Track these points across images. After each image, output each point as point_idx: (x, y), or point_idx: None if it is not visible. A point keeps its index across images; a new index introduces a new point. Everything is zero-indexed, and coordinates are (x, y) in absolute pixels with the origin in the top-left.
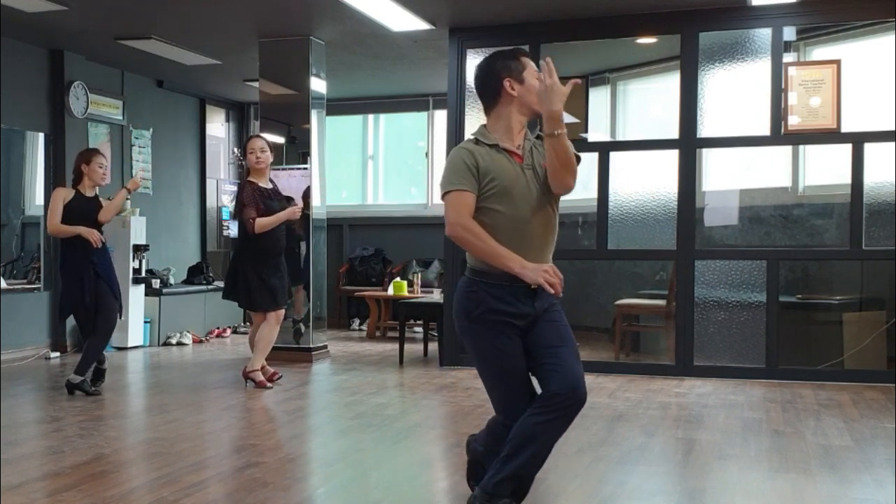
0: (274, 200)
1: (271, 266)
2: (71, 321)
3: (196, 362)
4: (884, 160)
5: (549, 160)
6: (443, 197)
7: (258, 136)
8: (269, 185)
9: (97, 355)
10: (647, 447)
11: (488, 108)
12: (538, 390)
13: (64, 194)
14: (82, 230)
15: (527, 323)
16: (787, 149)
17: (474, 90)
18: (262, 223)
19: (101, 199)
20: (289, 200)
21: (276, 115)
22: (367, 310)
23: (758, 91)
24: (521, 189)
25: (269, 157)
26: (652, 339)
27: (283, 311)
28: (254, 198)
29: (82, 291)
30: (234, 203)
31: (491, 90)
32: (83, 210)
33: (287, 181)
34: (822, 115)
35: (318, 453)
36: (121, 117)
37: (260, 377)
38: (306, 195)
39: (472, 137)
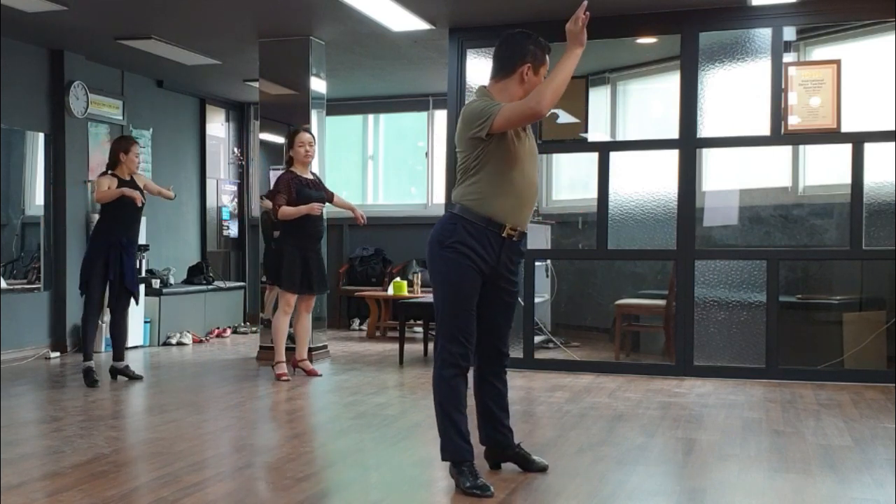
0: (312, 189)
1: (315, 251)
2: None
3: (196, 362)
4: (884, 160)
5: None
6: (494, 125)
7: (306, 129)
8: (310, 177)
9: (125, 332)
10: (647, 447)
11: (498, 77)
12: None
13: (109, 182)
14: (125, 190)
15: (487, 272)
16: (787, 149)
17: (495, 54)
18: (285, 212)
19: (134, 177)
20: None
21: (276, 115)
22: (367, 310)
23: (758, 91)
24: (524, 154)
25: (314, 149)
26: (652, 339)
27: (292, 298)
28: (288, 186)
29: (107, 267)
30: (272, 187)
31: (509, 64)
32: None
33: None
34: (822, 115)
35: (318, 453)
36: (121, 117)
37: (309, 366)
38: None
39: (483, 98)
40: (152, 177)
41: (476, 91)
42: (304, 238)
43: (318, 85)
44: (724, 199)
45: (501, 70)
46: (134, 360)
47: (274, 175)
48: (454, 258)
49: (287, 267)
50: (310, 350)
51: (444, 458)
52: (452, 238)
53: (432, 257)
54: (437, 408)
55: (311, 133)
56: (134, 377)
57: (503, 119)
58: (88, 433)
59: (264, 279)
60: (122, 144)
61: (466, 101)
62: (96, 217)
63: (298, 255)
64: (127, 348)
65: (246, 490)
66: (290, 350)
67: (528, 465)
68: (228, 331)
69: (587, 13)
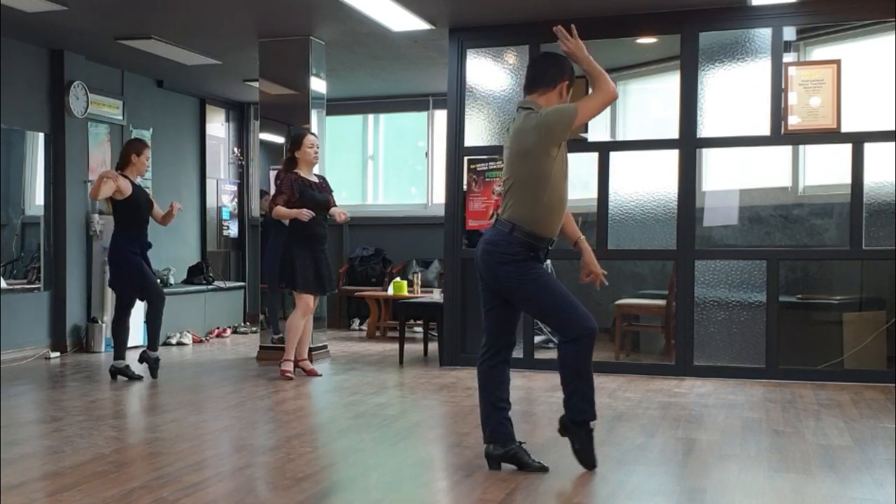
0: (315, 191)
1: (322, 251)
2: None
3: (196, 362)
4: (884, 160)
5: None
6: (580, 118)
7: (313, 133)
8: (315, 179)
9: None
10: (647, 447)
11: (540, 91)
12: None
13: (123, 184)
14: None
15: None
16: (787, 149)
17: (527, 68)
18: (279, 212)
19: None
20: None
21: (276, 115)
22: (367, 310)
23: (758, 91)
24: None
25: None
26: (652, 339)
27: (315, 300)
28: (291, 187)
29: (144, 271)
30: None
31: (550, 80)
32: (145, 199)
33: None
34: (822, 115)
35: (318, 453)
36: (121, 117)
37: (310, 366)
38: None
39: (539, 107)
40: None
41: (523, 104)
42: (312, 239)
43: (318, 85)
44: (724, 199)
45: (543, 84)
46: (134, 360)
47: (273, 175)
48: (535, 267)
49: (301, 269)
50: (310, 350)
51: (593, 417)
52: (523, 254)
53: (509, 271)
54: (586, 373)
55: (316, 136)
56: (133, 377)
57: (586, 111)
58: (88, 433)
59: (283, 284)
60: (135, 146)
61: (467, 106)
62: (96, 217)
63: (309, 256)
64: (128, 348)
65: (246, 490)
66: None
67: (527, 466)
68: (228, 331)
69: (564, 30)
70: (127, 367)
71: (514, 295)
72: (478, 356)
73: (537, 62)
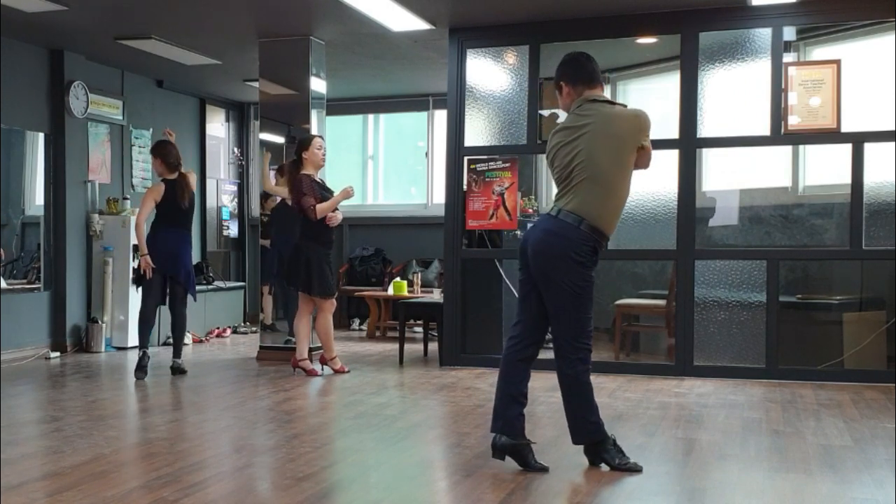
0: (327, 191)
1: (330, 254)
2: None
3: (196, 362)
4: (884, 160)
5: None
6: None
7: (320, 135)
8: (319, 180)
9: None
10: (647, 447)
11: (601, 87)
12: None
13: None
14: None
15: None
16: (787, 149)
17: (572, 66)
18: (322, 207)
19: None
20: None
21: (276, 115)
22: (367, 310)
23: (758, 91)
24: None
25: None
26: (652, 339)
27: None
28: (311, 187)
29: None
30: (292, 194)
31: (601, 77)
32: None
33: None
34: (822, 115)
35: (318, 453)
36: (121, 117)
37: (310, 366)
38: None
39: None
40: (152, 177)
41: (595, 97)
42: (327, 244)
43: (318, 85)
44: (724, 199)
45: (600, 80)
46: (134, 361)
47: (272, 176)
48: (588, 274)
49: (321, 274)
50: (310, 350)
51: (592, 439)
52: (586, 254)
53: (568, 270)
54: (584, 393)
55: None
56: (138, 377)
57: (649, 150)
58: (88, 433)
59: (298, 287)
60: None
61: (467, 106)
62: (96, 217)
63: (323, 259)
64: (128, 348)
65: (246, 490)
66: (291, 350)
67: (529, 465)
68: (228, 331)
69: None
70: (147, 361)
71: (554, 292)
72: (507, 344)
73: (585, 59)
